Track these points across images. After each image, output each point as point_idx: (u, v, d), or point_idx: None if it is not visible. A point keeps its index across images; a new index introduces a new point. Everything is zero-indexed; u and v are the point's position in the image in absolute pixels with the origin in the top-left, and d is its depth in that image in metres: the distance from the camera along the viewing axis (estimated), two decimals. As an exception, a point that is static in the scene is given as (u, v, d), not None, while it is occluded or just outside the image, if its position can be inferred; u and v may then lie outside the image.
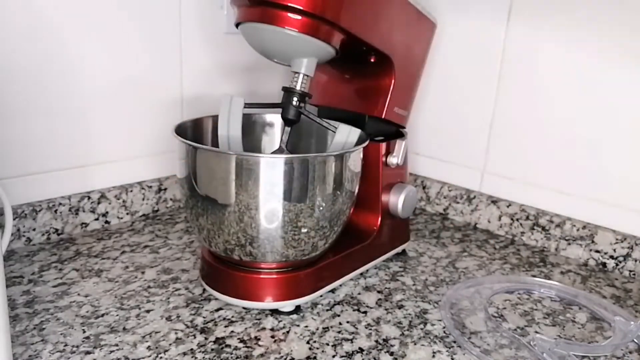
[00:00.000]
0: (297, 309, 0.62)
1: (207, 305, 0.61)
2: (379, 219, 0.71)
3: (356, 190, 0.63)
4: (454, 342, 0.58)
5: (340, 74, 0.74)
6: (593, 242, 0.78)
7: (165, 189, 0.87)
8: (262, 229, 0.56)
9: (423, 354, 0.55)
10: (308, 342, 0.56)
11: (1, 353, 0.45)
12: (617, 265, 0.76)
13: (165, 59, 0.83)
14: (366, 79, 0.71)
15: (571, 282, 0.73)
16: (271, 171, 0.54)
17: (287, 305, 0.60)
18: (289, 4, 0.55)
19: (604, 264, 0.78)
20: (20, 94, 0.69)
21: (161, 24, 0.81)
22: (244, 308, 0.61)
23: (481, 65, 0.87)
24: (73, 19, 0.72)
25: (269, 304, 0.60)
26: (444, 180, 0.95)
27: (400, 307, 0.64)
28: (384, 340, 0.57)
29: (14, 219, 0.70)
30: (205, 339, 0.55)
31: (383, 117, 0.69)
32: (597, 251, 0.78)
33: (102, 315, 0.58)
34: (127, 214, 0.83)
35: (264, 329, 0.58)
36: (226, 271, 0.60)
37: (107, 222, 0.81)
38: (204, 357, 0.52)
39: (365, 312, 0.62)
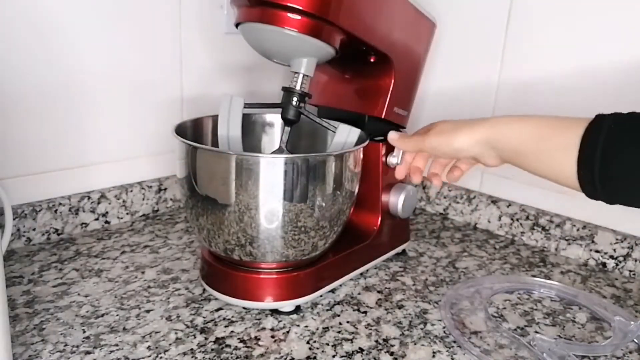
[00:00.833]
0: (297, 309, 0.62)
1: (207, 305, 0.61)
2: (379, 219, 0.71)
3: (356, 190, 0.63)
4: (454, 342, 0.58)
5: (340, 74, 0.74)
6: (593, 242, 0.78)
7: (165, 189, 0.87)
8: (262, 229, 0.56)
9: (423, 354, 0.55)
10: (308, 342, 0.56)
11: (1, 353, 0.45)
12: (617, 265, 0.76)
13: (165, 59, 0.83)
14: (366, 79, 0.71)
15: (571, 282, 0.73)
16: (271, 171, 0.54)
17: (287, 305, 0.60)
18: (289, 4, 0.55)
19: (604, 264, 0.78)
20: (20, 94, 0.69)
21: (161, 23, 0.81)
22: (244, 308, 0.61)
23: (481, 65, 0.87)
24: (73, 19, 0.72)
25: (269, 304, 0.60)
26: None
27: (400, 307, 0.64)
28: (384, 340, 0.57)
29: (14, 219, 0.70)
30: (205, 339, 0.55)
31: (383, 117, 0.69)
32: (597, 251, 0.78)
33: (102, 315, 0.58)
34: (127, 214, 0.83)
35: (264, 329, 0.58)
36: (226, 271, 0.60)
37: (107, 222, 0.81)
38: (204, 357, 0.52)
39: (365, 312, 0.62)
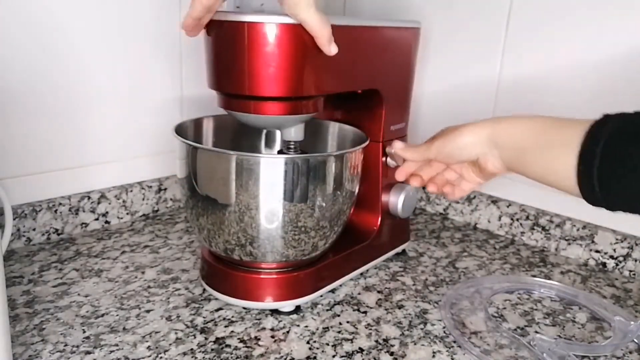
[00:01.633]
0: (297, 309, 0.62)
1: (207, 305, 0.61)
2: (379, 219, 0.71)
3: (356, 190, 0.63)
4: (454, 342, 0.58)
5: (331, 113, 0.74)
6: (593, 242, 0.78)
7: (165, 189, 0.87)
8: (262, 229, 0.56)
9: (423, 354, 0.55)
10: (308, 342, 0.56)
11: (1, 353, 0.45)
12: (617, 265, 0.76)
13: (165, 59, 0.83)
14: (358, 111, 0.71)
15: (571, 282, 0.73)
16: (271, 171, 0.54)
17: (287, 305, 0.60)
18: (265, 95, 0.54)
19: (604, 264, 0.78)
20: (20, 94, 0.69)
21: (161, 23, 0.81)
22: (244, 308, 0.61)
23: (481, 65, 0.87)
24: (73, 19, 0.72)
25: (269, 304, 0.60)
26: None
27: (400, 307, 0.64)
28: (384, 340, 0.57)
29: (14, 219, 0.70)
30: (205, 339, 0.55)
31: (381, 140, 0.69)
32: (597, 251, 0.78)
33: (102, 315, 0.58)
34: (127, 214, 0.83)
35: (264, 329, 0.58)
36: (226, 271, 0.60)
37: (107, 222, 0.81)
38: (204, 357, 0.52)
39: (365, 312, 0.62)
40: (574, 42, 0.76)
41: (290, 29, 0.52)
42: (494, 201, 0.88)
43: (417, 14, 0.92)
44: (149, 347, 0.53)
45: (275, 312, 0.61)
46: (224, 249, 0.59)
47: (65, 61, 0.72)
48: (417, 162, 0.61)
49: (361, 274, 0.71)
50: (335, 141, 0.72)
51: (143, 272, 0.68)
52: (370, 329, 0.59)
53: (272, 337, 0.57)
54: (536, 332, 0.61)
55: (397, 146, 0.61)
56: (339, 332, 0.58)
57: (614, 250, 0.76)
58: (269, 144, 0.74)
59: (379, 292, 0.67)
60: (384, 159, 0.70)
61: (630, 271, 0.75)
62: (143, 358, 0.52)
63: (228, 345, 0.55)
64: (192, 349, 0.54)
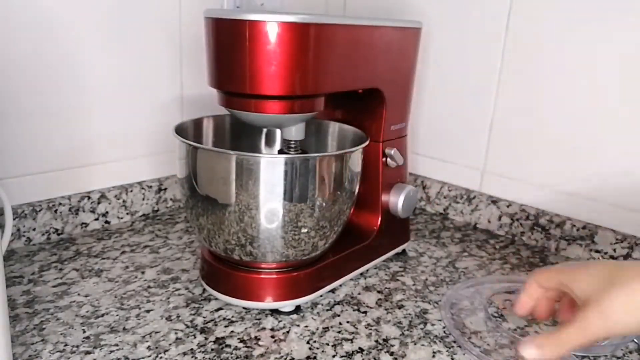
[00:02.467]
0: (297, 309, 0.62)
1: (207, 305, 0.61)
2: (379, 219, 0.71)
3: (356, 190, 0.63)
4: (454, 342, 0.58)
5: (331, 113, 0.74)
6: (593, 242, 0.78)
7: (165, 189, 0.87)
8: (262, 229, 0.56)
9: (423, 354, 0.55)
10: (308, 342, 0.56)
11: (1, 353, 0.45)
12: (617, 265, 0.76)
13: (165, 59, 0.83)
14: (358, 111, 0.71)
15: (571, 282, 0.73)
16: (271, 171, 0.54)
17: (287, 305, 0.60)
18: (266, 94, 0.54)
19: (604, 264, 0.78)
20: (20, 94, 0.69)
21: (161, 23, 0.81)
22: (244, 308, 0.61)
23: (481, 65, 0.87)
24: (73, 19, 0.72)
25: (269, 304, 0.60)
26: (444, 180, 0.95)
27: (400, 307, 0.64)
28: (384, 340, 0.57)
29: (14, 219, 0.70)
30: (205, 339, 0.55)
31: (382, 140, 0.69)
32: (597, 251, 0.78)
33: (102, 315, 0.58)
34: (127, 214, 0.83)
35: (264, 329, 0.58)
36: (226, 271, 0.60)
37: (107, 222, 0.81)
38: (204, 357, 0.52)
39: (365, 312, 0.62)
40: (575, 40, 0.76)
41: (292, 27, 0.52)
42: (494, 201, 0.88)
43: (418, 14, 0.92)
44: (149, 347, 0.53)
45: (275, 312, 0.61)
46: (224, 248, 0.59)
47: (66, 61, 0.72)
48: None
49: (361, 274, 0.71)
50: (335, 141, 0.72)
51: (143, 272, 0.68)
52: (370, 329, 0.59)
53: (272, 337, 0.57)
54: (536, 332, 0.61)
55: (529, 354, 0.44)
56: (339, 332, 0.58)
57: (614, 250, 0.76)
58: (269, 143, 0.74)
59: (379, 292, 0.67)
60: (384, 159, 0.70)
61: (630, 271, 0.75)
62: (143, 358, 0.52)
63: (228, 345, 0.55)
64: (192, 349, 0.54)
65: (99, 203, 0.79)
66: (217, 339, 0.56)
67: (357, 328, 0.59)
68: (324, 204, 0.57)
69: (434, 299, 0.66)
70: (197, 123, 0.67)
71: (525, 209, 0.84)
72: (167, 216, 0.86)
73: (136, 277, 0.67)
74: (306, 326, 0.59)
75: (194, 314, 0.60)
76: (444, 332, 0.59)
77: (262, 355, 0.53)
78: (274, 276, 0.59)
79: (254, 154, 0.55)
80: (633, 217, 0.75)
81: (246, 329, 0.58)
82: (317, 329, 0.58)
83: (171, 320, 0.58)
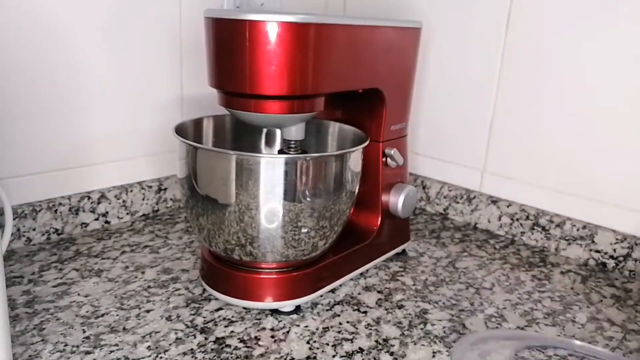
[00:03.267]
0: (297, 309, 0.62)
1: (207, 305, 0.61)
2: (379, 219, 0.71)
3: (356, 190, 0.63)
4: (454, 342, 0.58)
5: (331, 113, 0.74)
6: (593, 242, 0.78)
7: (165, 189, 0.87)
8: (262, 228, 0.56)
9: (423, 354, 0.55)
10: (308, 342, 0.56)
11: (1, 353, 0.45)
12: (617, 265, 0.76)
13: (165, 59, 0.83)
14: (358, 111, 0.71)
15: (571, 282, 0.73)
16: (271, 171, 0.54)
17: (287, 305, 0.60)
18: (266, 94, 0.54)
19: (604, 264, 0.78)
20: (20, 94, 0.69)
21: (161, 23, 0.81)
22: (244, 308, 0.61)
23: (481, 65, 0.87)
24: (73, 19, 0.72)
25: (269, 304, 0.60)
26: (444, 180, 0.95)
27: (400, 307, 0.64)
28: (384, 340, 0.57)
29: (14, 219, 0.70)
30: (205, 339, 0.55)
31: (382, 140, 0.69)
32: (597, 251, 0.78)
33: (102, 315, 0.58)
34: (127, 214, 0.83)
35: (264, 329, 0.58)
36: (226, 271, 0.60)
37: (107, 222, 0.81)
38: (204, 357, 0.52)
39: (365, 312, 0.62)
40: (575, 40, 0.76)
41: (292, 27, 0.52)
42: (494, 201, 0.88)
43: (418, 14, 0.92)
44: (149, 347, 0.53)
45: (275, 312, 0.61)
46: (224, 248, 0.59)
47: (66, 61, 0.72)
48: None
49: (361, 274, 0.71)
50: (335, 141, 0.72)
51: (143, 272, 0.68)
52: (370, 329, 0.59)
53: (272, 337, 0.57)
54: (536, 332, 0.61)
55: None
56: (339, 332, 0.58)
57: (614, 250, 0.76)
58: (269, 143, 0.74)
59: (379, 292, 0.67)
60: (384, 159, 0.70)
61: (630, 271, 0.75)
62: (143, 358, 0.52)
63: (228, 345, 0.55)
64: (192, 349, 0.54)
65: (99, 203, 0.79)
66: (217, 339, 0.56)
67: (357, 328, 0.59)
68: (324, 204, 0.57)
69: (434, 299, 0.66)
70: (197, 123, 0.67)
71: (525, 209, 0.84)
72: (167, 216, 0.86)
73: (136, 277, 0.67)
74: (306, 326, 0.59)
75: (194, 314, 0.60)
76: (444, 332, 0.59)
77: (262, 355, 0.53)
78: (274, 276, 0.59)
79: (253, 154, 0.55)
80: (633, 217, 0.75)
81: (246, 329, 0.58)
82: (317, 329, 0.58)
83: (171, 320, 0.58)
